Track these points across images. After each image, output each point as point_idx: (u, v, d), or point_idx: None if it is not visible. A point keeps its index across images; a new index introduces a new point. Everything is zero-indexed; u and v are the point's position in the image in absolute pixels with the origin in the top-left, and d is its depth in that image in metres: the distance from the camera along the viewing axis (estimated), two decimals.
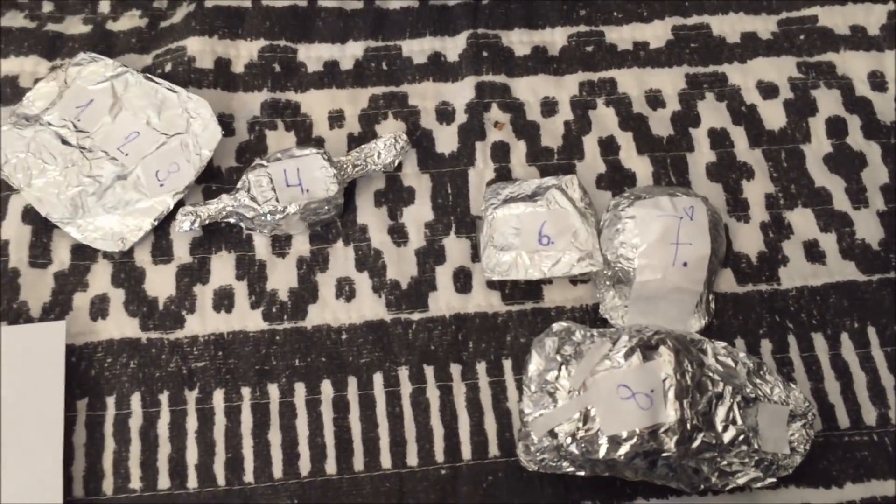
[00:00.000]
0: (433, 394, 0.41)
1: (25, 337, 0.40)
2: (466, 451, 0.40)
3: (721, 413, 0.37)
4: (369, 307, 0.43)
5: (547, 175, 0.46)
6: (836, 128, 0.48)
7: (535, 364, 0.38)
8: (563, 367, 0.38)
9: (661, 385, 0.36)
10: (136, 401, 0.41)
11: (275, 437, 0.40)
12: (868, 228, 0.45)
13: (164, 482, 0.39)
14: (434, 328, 0.43)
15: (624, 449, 0.36)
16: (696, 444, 0.37)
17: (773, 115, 0.48)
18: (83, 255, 0.43)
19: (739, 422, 0.37)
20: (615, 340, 0.37)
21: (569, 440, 0.37)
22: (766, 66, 0.49)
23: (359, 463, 0.40)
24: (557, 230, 0.42)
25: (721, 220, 0.43)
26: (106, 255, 0.43)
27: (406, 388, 0.41)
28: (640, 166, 0.46)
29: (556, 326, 0.39)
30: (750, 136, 0.47)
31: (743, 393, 0.38)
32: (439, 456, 0.40)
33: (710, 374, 0.38)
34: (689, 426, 0.36)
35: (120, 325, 0.42)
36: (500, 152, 0.47)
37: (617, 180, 0.46)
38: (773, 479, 0.38)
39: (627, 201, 0.42)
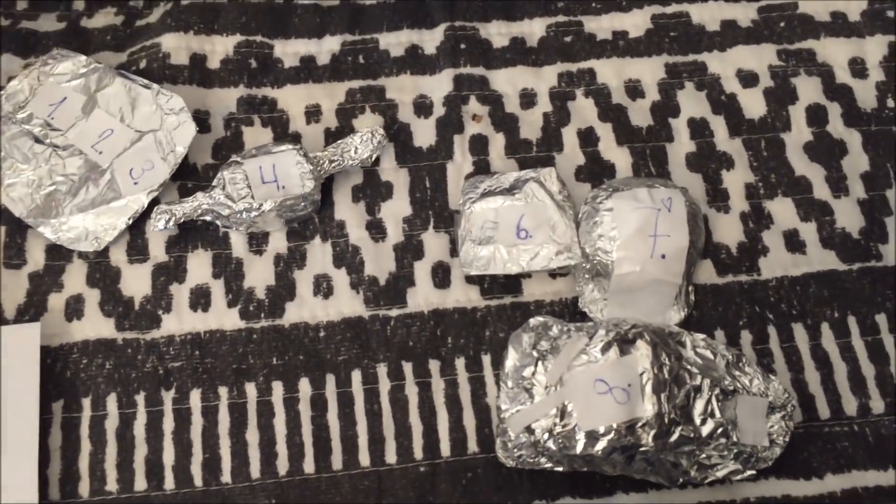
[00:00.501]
0: (412, 390, 0.41)
1: None
2: (445, 448, 0.40)
3: (699, 406, 0.37)
4: (347, 304, 0.43)
5: (526, 167, 0.45)
6: (816, 116, 0.47)
7: (511, 360, 0.38)
8: (540, 363, 0.37)
9: (638, 379, 0.36)
10: (112, 402, 0.40)
11: (252, 436, 0.40)
12: (848, 217, 0.45)
13: (140, 484, 0.39)
14: (412, 324, 0.42)
15: (601, 444, 0.36)
16: (674, 437, 0.36)
17: (753, 104, 0.48)
18: (58, 255, 0.43)
19: (718, 415, 0.37)
20: (592, 335, 0.37)
21: (546, 436, 0.36)
22: (746, 54, 0.49)
23: (337, 461, 0.40)
24: (536, 223, 0.42)
25: (699, 211, 0.43)
26: (81, 255, 0.43)
27: (385, 385, 0.41)
28: (619, 157, 0.46)
29: (532, 321, 0.38)
30: (730, 126, 0.47)
31: (721, 385, 0.38)
32: (418, 453, 0.40)
33: (689, 367, 0.38)
34: (666, 420, 0.36)
35: (95, 326, 0.42)
36: (479, 145, 0.46)
37: (596, 172, 0.45)
38: (753, 472, 0.38)
39: (605, 193, 0.42)
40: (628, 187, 0.42)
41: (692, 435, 0.37)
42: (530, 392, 0.37)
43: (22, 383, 0.39)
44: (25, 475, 0.38)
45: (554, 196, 0.43)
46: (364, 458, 0.40)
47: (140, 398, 0.40)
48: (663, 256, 0.40)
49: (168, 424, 0.40)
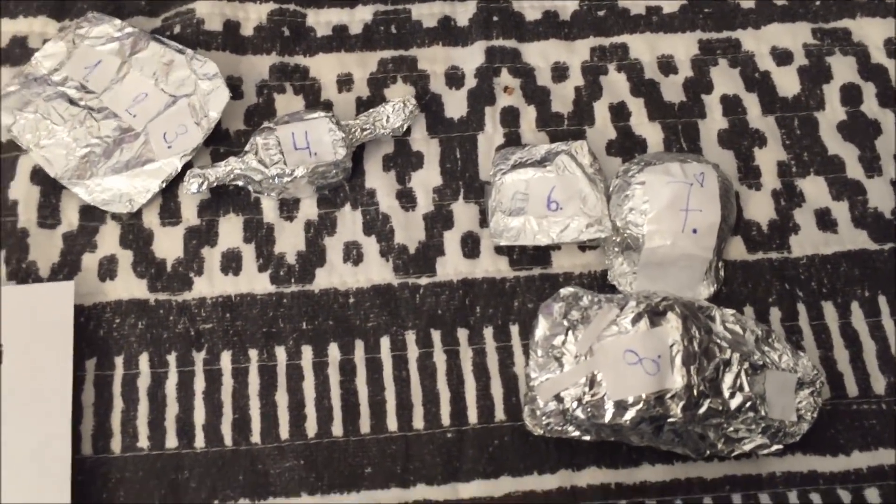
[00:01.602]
0: (440, 358, 0.41)
1: (34, 296, 0.41)
2: (473, 416, 0.40)
3: (728, 380, 0.37)
4: (377, 271, 0.43)
5: (557, 141, 0.45)
6: (850, 95, 0.47)
7: (541, 329, 0.38)
8: (570, 332, 0.37)
9: (668, 351, 0.36)
10: (144, 361, 0.41)
11: (282, 399, 0.40)
12: (881, 197, 0.45)
13: (171, 441, 0.39)
14: (441, 293, 0.43)
15: (630, 414, 0.36)
16: (702, 410, 0.37)
17: (787, 82, 0.47)
18: (91, 216, 0.43)
19: (747, 389, 0.37)
20: (623, 306, 0.37)
21: (575, 405, 0.37)
22: (780, 32, 0.48)
23: (365, 426, 0.40)
24: (566, 196, 0.42)
25: (732, 187, 0.43)
26: (114, 217, 0.43)
27: (413, 352, 0.41)
28: (651, 133, 0.46)
29: (563, 291, 0.39)
30: (763, 103, 0.47)
31: (751, 360, 0.38)
32: (445, 419, 0.40)
33: (718, 340, 0.38)
34: (695, 392, 0.36)
35: (128, 287, 0.42)
36: (510, 117, 0.46)
37: (627, 147, 0.45)
38: (780, 447, 0.38)
39: (637, 167, 0.42)
40: (661, 161, 0.42)
41: (720, 408, 0.37)
42: (560, 361, 0.37)
43: (56, 340, 0.40)
44: (59, 430, 0.38)
45: (585, 169, 0.43)
46: (392, 423, 0.40)
47: (172, 358, 0.41)
48: (694, 231, 0.40)
49: (199, 385, 0.41)
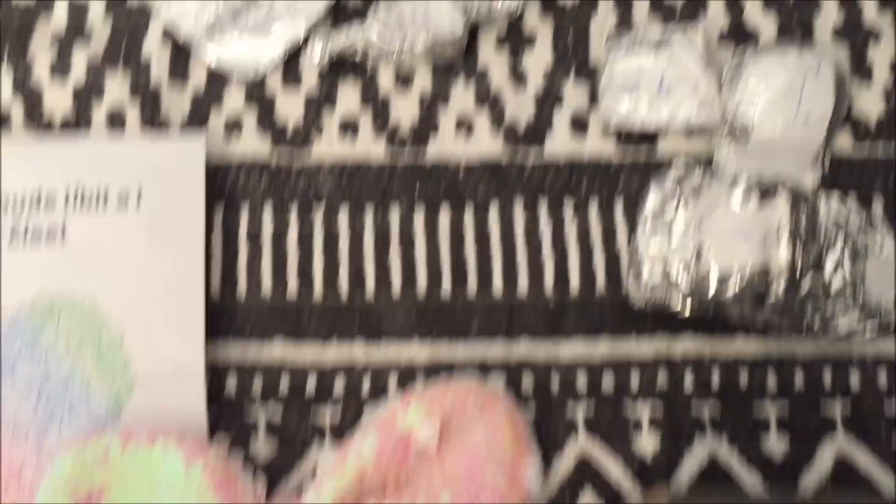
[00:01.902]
0: (546, 231, 0.43)
1: (168, 148, 0.43)
2: (575, 286, 0.42)
3: (830, 261, 0.39)
4: (487, 145, 0.45)
5: (671, 26, 0.46)
6: None
7: (652, 201, 0.40)
8: (681, 206, 0.39)
9: (775, 229, 0.38)
10: (267, 215, 0.43)
11: (394, 259, 0.43)
12: None
13: (292, 290, 0.42)
14: (549, 169, 0.44)
15: (733, 287, 0.38)
16: (803, 288, 0.38)
17: None
18: (218, 77, 0.45)
19: (847, 271, 0.38)
20: (734, 183, 0.38)
21: (680, 276, 0.38)
22: None
23: (472, 290, 0.42)
24: (678, 81, 0.43)
25: (846, 79, 0.43)
26: (240, 78, 0.45)
27: (520, 224, 0.43)
28: (765, 23, 0.46)
29: (675, 167, 0.40)
30: None
31: (853, 245, 0.39)
32: (548, 288, 0.42)
33: (823, 223, 0.39)
34: (798, 270, 0.38)
35: (252, 145, 0.44)
36: (625, 2, 0.47)
37: (740, 36, 0.46)
38: (874, 331, 0.40)
39: (752, 55, 0.42)
40: (776, 51, 0.42)
41: (820, 288, 0.38)
42: (670, 233, 0.39)
43: (189, 190, 0.42)
44: (193, 273, 0.41)
45: (698, 55, 0.43)
46: (497, 289, 0.42)
47: (293, 215, 0.43)
48: (805, 120, 0.41)
49: (318, 241, 0.43)
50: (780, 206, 0.38)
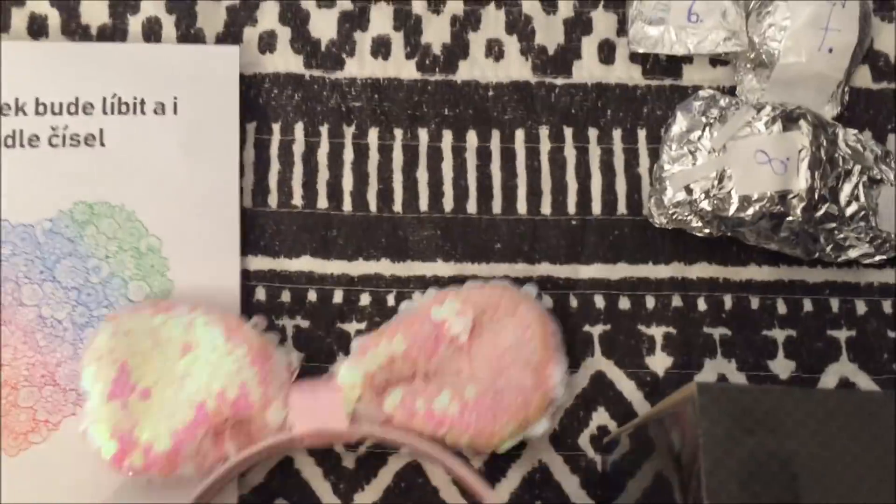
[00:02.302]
0: (570, 153, 0.44)
1: (203, 57, 0.44)
2: (596, 207, 0.44)
3: (847, 189, 0.40)
4: (516, 69, 0.45)
5: None
6: None
7: (679, 124, 0.41)
8: (707, 129, 0.40)
9: (796, 154, 0.39)
10: (299, 130, 0.44)
11: (422, 175, 0.44)
12: None
13: (322, 202, 0.43)
14: (576, 94, 0.45)
15: (753, 209, 0.39)
16: (820, 213, 0.40)
17: None
18: None
19: (862, 199, 0.40)
20: (759, 109, 0.40)
21: (702, 196, 0.40)
22: None
23: (497, 207, 0.44)
24: (707, 9, 0.44)
25: (871, 13, 0.44)
26: None
27: (545, 146, 0.45)
28: None
29: (702, 92, 0.41)
30: None
31: (869, 174, 0.40)
32: (571, 208, 0.44)
33: (841, 152, 0.40)
34: (816, 195, 0.39)
35: (286, 61, 0.45)
36: None
37: None
38: (883, 257, 0.41)
39: None
40: None
41: (836, 213, 0.40)
42: (694, 155, 0.40)
43: (224, 99, 0.43)
44: (228, 181, 0.42)
45: None
46: (521, 207, 0.44)
47: (324, 129, 0.44)
48: (830, 50, 0.42)
49: (348, 155, 0.44)
50: (803, 134, 0.39)
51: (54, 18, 0.45)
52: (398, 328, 0.39)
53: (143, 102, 0.43)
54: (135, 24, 0.45)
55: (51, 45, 0.44)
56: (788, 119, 0.39)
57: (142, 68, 0.43)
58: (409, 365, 0.38)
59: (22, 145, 0.42)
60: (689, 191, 0.40)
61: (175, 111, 0.43)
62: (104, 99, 0.43)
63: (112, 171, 0.41)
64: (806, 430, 0.25)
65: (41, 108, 0.42)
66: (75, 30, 0.45)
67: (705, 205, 0.40)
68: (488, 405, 0.37)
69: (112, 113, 0.43)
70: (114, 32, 0.45)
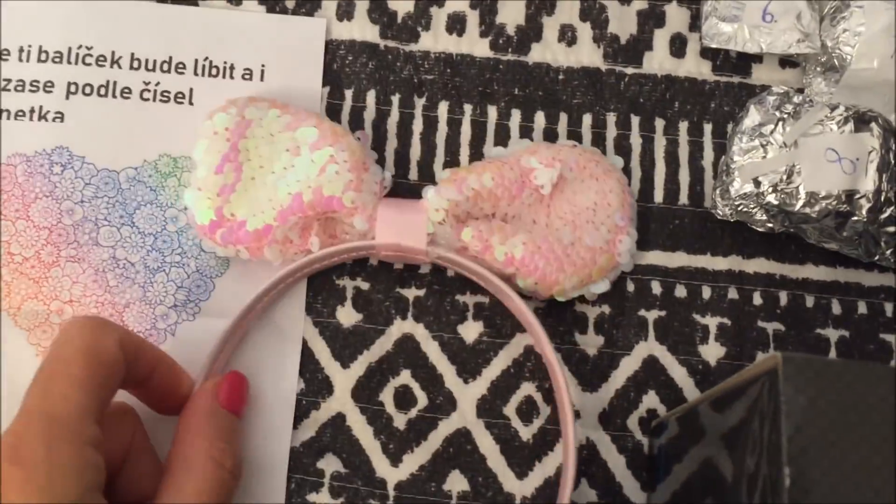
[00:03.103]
0: (636, 141, 0.45)
1: (292, 27, 0.45)
2: (658, 195, 0.44)
3: None
4: (587, 55, 0.46)
5: None
6: None
7: (751, 117, 0.41)
8: (780, 124, 0.41)
9: (866, 156, 0.39)
10: (370, 97, 0.45)
11: (489, 151, 0.45)
12: None
13: (389, 170, 0.44)
14: (645, 84, 0.46)
15: (820, 205, 0.40)
16: (884, 215, 0.40)
17: None
18: None
19: None
20: (832, 108, 0.40)
21: (770, 189, 0.40)
22: None
23: None
24: (783, 10, 0.44)
25: None
26: None
27: (611, 132, 0.45)
28: None
29: (776, 88, 0.42)
30: None
31: None
32: (634, 195, 0.44)
33: None
34: (882, 197, 0.40)
35: (362, 29, 0.46)
36: None
37: None
38: None
39: None
40: None
41: None
42: (765, 148, 0.41)
43: (308, 69, 0.44)
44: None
45: None
46: None
47: (395, 99, 0.45)
48: None
49: (417, 126, 0.45)
50: (873, 137, 0.40)
51: None
52: (488, 167, 0.41)
53: (232, 67, 0.44)
54: None
55: (150, 5, 0.45)
56: (861, 120, 0.40)
57: (234, 34, 0.45)
58: (492, 204, 0.40)
59: (114, 96, 0.43)
60: (756, 183, 0.40)
61: (262, 78, 0.44)
62: (196, 61, 0.44)
63: (198, 128, 0.42)
64: (887, 405, 0.26)
65: (135, 63, 0.44)
66: None
67: (772, 198, 0.40)
68: (557, 255, 0.40)
69: (202, 75, 0.44)
70: None
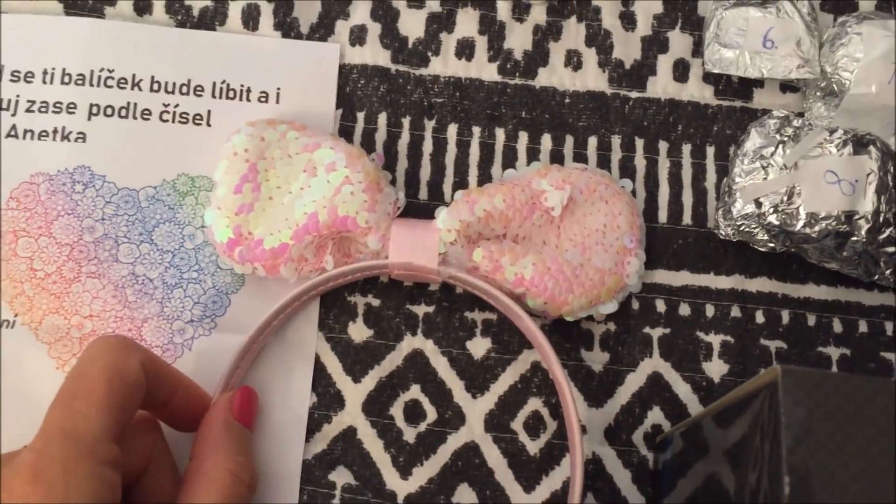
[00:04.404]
0: (640, 163, 0.46)
1: (307, 52, 0.46)
2: (663, 215, 0.45)
3: None
4: (593, 79, 0.47)
5: None
6: None
7: (752, 140, 0.42)
8: (780, 146, 0.42)
9: (864, 177, 0.41)
10: (382, 120, 0.46)
11: (497, 172, 0.46)
12: None
13: (400, 187, 0.45)
14: (649, 107, 0.47)
15: (820, 226, 0.41)
16: (883, 236, 0.41)
17: None
18: None
19: None
20: (832, 131, 0.41)
21: (771, 210, 0.41)
22: None
23: None
24: (783, 37, 0.46)
25: None
26: None
27: (616, 154, 0.46)
28: None
29: (777, 112, 0.43)
30: None
31: None
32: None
33: None
34: (881, 218, 0.41)
35: (374, 54, 0.47)
36: None
37: (841, 5, 0.48)
38: None
39: (856, 20, 0.45)
40: (879, 17, 0.45)
41: None
42: (766, 170, 0.42)
43: (322, 92, 0.46)
44: None
45: (804, 15, 0.46)
46: None
47: (405, 122, 0.46)
48: None
49: (427, 148, 0.46)
50: (872, 159, 0.41)
51: None
52: (499, 188, 0.42)
53: (248, 90, 0.46)
54: (235, 8, 0.47)
55: (170, 30, 0.47)
56: (859, 143, 0.41)
57: (250, 59, 0.46)
58: (503, 225, 0.42)
59: (135, 117, 0.44)
60: (758, 204, 0.41)
61: (277, 101, 0.45)
62: (214, 84, 0.45)
63: (215, 148, 0.43)
64: (886, 417, 0.27)
65: (155, 86, 0.45)
66: (178, 10, 0.47)
67: (773, 219, 0.41)
68: (566, 276, 0.41)
69: (220, 97, 0.45)
70: (214, 15, 0.47)
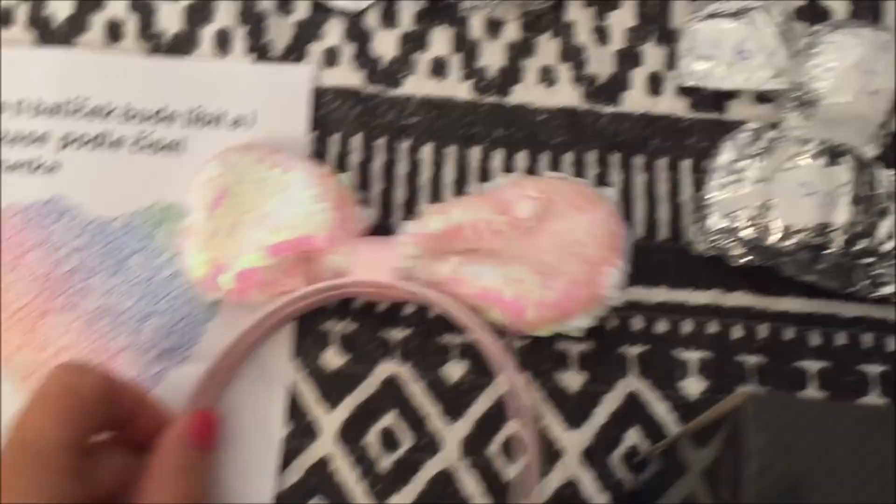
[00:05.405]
0: (616, 178, 0.46)
1: (281, 74, 0.47)
2: (640, 230, 0.45)
3: (884, 226, 0.41)
4: (567, 95, 0.47)
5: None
6: None
7: (726, 154, 0.42)
8: (754, 159, 0.42)
9: (839, 189, 0.40)
10: (356, 141, 0.46)
11: (477, 187, 0.46)
12: None
13: (372, 215, 0.45)
14: (623, 122, 0.47)
15: (794, 239, 0.40)
16: (858, 247, 0.41)
17: None
18: (322, 9, 0.48)
19: None
20: (805, 143, 0.41)
21: (746, 223, 0.41)
22: None
23: None
24: (756, 48, 0.45)
25: None
26: (341, 13, 0.48)
27: (592, 170, 0.46)
28: (838, 5, 0.48)
29: (751, 124, 0.43)
30: None
31: None
32: None
33: (880, 192, 0.41)
34: (856, 230, 0.40)
35: (347, 76, 0.47)
36: None
37: (816, 14, 0.48)
38: None
39: (828, 29, 0.45)
40: (852, 26, 0.45)
41: (874, 249, 0.41)
42: (740, 184, 0.42)
43: (295, 115, 0.46)
44: None
45: (777, 25, 0.46)
46: None
47: (380, 142, 0.46)
48: (873, 93, 0.44)
49: (402, 168, 0.46)
50: (846, 170, 0.40)
51: (131, 24, 0.48)
52: (466, 202, 0.42)
53: (223, 116, 0.46)
54: (208, 33, 0.47)
55: (143, 59, 0.47)
56: (833, 154, 0.41)
57: (224, 84, 0.46)
58: (475, 238, 0.41)
59: (109, 146, 0.45)
60: (732, 218, 0.41)
61: (252, 125, 0.45)
62: (190, 110, 0.46)
63: (189, 176, 0.43)
64: (852, 443, 0.27)
65: (130, 114, 0.45)
66: (150, 36, 0.47)
67: (748, 233, 0.41)
68: (536, 291, 0.40)
69: (194, 124, 0.45)
70: (186, 40, 0.47)
